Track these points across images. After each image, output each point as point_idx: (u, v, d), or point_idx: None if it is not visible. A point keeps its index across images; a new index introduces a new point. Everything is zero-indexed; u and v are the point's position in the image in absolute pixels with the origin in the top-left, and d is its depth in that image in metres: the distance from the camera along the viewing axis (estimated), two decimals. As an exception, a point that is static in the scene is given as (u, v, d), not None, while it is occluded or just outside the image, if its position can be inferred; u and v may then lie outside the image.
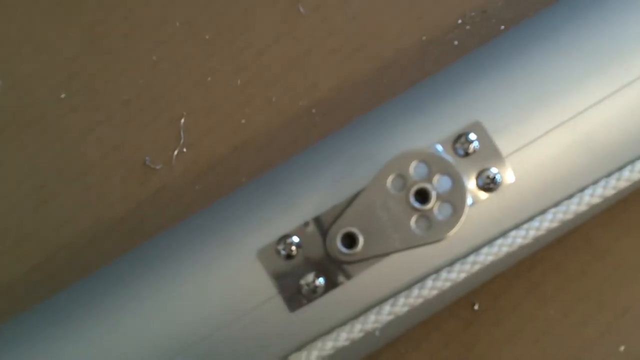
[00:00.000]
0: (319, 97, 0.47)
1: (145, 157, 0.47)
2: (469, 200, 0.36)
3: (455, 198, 0.35)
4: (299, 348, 0.36)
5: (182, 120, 0.47)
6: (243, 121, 0.47)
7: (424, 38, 0.48)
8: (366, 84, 0.47)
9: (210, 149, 0.47)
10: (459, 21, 0.48)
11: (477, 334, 0.42)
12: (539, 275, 0.43)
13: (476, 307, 0.43)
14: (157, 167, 0.46)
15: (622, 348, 0.42)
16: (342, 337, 0.36)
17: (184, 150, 0.47)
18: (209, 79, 0.48)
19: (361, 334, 0.36)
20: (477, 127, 0.37)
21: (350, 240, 0.35)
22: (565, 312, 0.42)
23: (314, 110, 0.47)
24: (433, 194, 0.34)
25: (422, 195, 0.35)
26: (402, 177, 0.35)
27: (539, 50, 0.39)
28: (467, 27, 0.48)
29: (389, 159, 0.35)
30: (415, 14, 0.48)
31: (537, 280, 0.43)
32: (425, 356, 0.42)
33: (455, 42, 0.47)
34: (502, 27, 0.47)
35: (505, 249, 0.37)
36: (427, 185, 0.34)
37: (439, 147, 0.36)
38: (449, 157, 0.36)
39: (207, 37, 0.49)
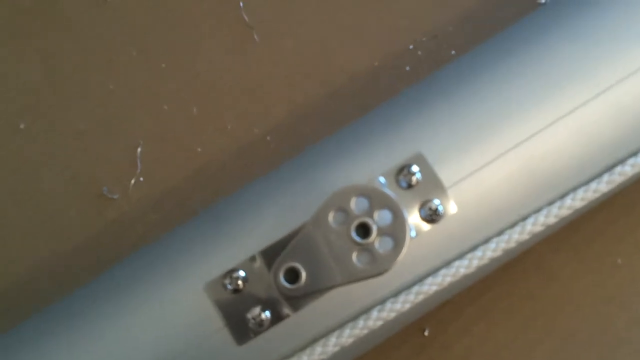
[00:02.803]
0: (273, 124, 0.48)
1: (102, 187, 0.47)
2: (412, 233, 0.36)
3: (396, 231, 0.35)
4: (247, 381, 0.37)
5: (139, 149, 0.47)
6: (199, 149, 0.48)
7: (375, 64, 0.48)
8: (319, 110, 0.48)
9: (167, 177, 0.47)
10: (411, 47, 0.49)
11: (429, 359, 0.43)
12: (488, 300, 0.43)
13: (426, 332, 0.43)
14: (115, 196, 0.47)
15: (567, 372, 0.42)
16: (289, 369, 0.37)
17: (141, 179, 0.47)
18: (165, 107, 0.49)
19: (308, 366, 0.37)
20: (420, 159, 0.37)
21: (293, 274, 0.35)
22: (514, 337, 0.43)
23: (268, 138, 0.48)
24: (374, 228, 0.35)
25: (364, 229, 0.35)
26: (344, 212, 0.35)
27: (480, 80, 0.40)
28: (419, 52, 0.48)
29: (329, 195, 0.35)
30: (367, 39, 0.49)
31: (486, 305, 0.43)
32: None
33: (407, 68, 0.48)
34: (453, 52, 0.48)
35: (448, 279, 0.38)
36: (368, 220, 0.35)
37: (382, 180, 0.37)
38: (391, 190, 0.37)
39: (163, 65, 0.49)
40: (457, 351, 0.43)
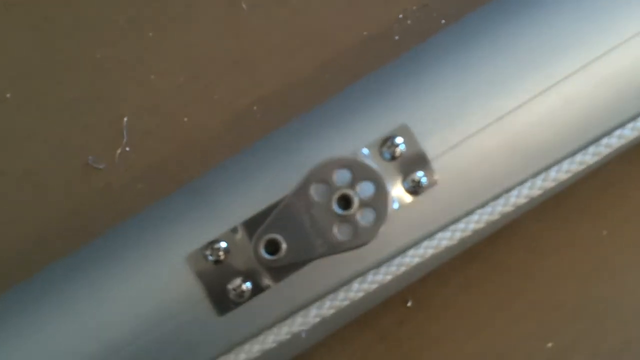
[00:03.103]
0: (260, 95, 0.48)
1: (89, 156, 0.47)
2: (394, 204, 0.36)
3: (378, 203, 0.35)
4: (227, 351, 0.37)
5: (125, 119, 0.47)
6: (185, 119, 0.47)
7: (365, 33, 0.48)
8: (308, 81, 0.48)
9: (153, 147, 0.47)
10: (400, 16, 0.48)
11: (410, 330, 0.43)
12: (472, 272, 0.43)
13: (409, 303, 0.43)
14: (101, 166, 0.47)
15: (550, 345, 0.42)
16: (269, 340, 0.37)
17: (127, 149, 0.47)
18: (152, 77, 0.48)
19: (288, 336, 0.37)
20: (404, 131, 0.37)
21: (274, 246, 0.35)
22: (498, 309, 0.43)
23: (255, 108, 0.47)
24: (355, 200, 0.35)
25: (346, 201, 0.35)
26: (326, 184, 0.35)
27: (466, 51, 0.39)
28: (408, 21, 0.48)
29: (311, 167, 0.35)
30: (357, 8, 0.48)
31: (470, 277, 0.43)
32: (360, 352, 0.43)
33: (397, 37, 0.48)
34: (443, 21, 0.47)
35: (430, 251, 0.38)
36: (350, 192, 0.35)
37: (366, 151, 0.37)
38: (375, 162, 0.36)
39: (150, 34, 0.49)
40: (440, 322, 0.43)
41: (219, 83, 0.48)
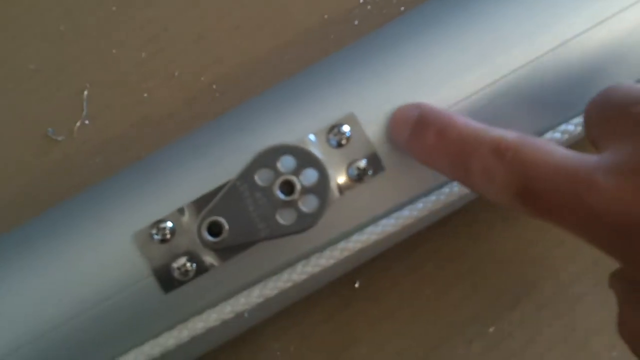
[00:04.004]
0: (221, 73, 0.48)
1: (48, 128, 0.47)
2: (339, 191, 0.37)
3: (320, 190, 0.36)
4: (171, 327, 0.38)
5: (86, 92, 0.48)
6: (145, 95, 0.48)
7: (325, 16, 0.48)
8: (267, 61, 0.48)
9: (112, 121, 0.48)
10: (361, 0, 0.48)
11: (357, 310, 0.44)
12: (418, 256, 0.44)
13: (357, 284, 0.44)
14: (59, 138, 0.47)
15: (491, 329, 0.44)
16: (212, 318, 0.38)
17: (86, 122, 0.48)
18: (114, 51, 0.49)
19: (231, 315, 0.38)
20: (351, 119, 0.38)
21: (219, 227, 0.36)
22: (442, 293, 0.44)
23: (214, 86, 0.48)
24: (298, 187, 0.36)
25: (290, 187, 0.36)
26: (271, 169, 0.36)
27: (418, 41, 0.40)
28: (369, 6, 0.48)
29: (257, 152, 0.36)
30: (319, -9, 0.49)
31: (416, 261, 0.45)
32: (306, 330, 0.44)
33: (356, 22, 0.48)
34: (403, 8, 0.48)
35: (374, 237, 0.39)
36: (293, 178, 0.36)
37: (313, 137, 0.38)
38: (321, 149, 0.37)
39: (113, 8, 0.49)
40: (385, 304, 0.44)
41: (180, 60, 0.48)
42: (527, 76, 0.39)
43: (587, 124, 0.33)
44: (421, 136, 0.35)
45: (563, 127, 0.40)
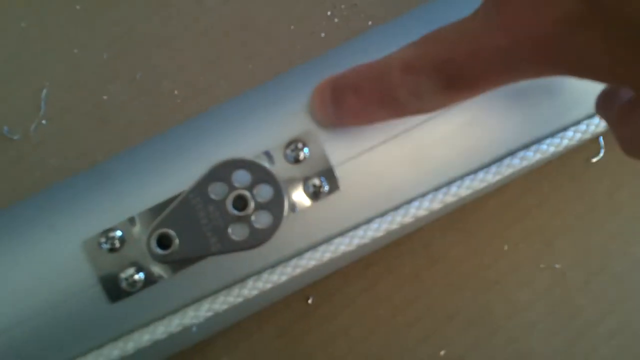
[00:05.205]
0: (183, 80, 0.47)
1: (4, 126, 0.46)
2: (294, 209, 0.36)
3: (274, 207, 0.36)
4: (116, 338, 0.37)
5: (45, 92, 0.47)
6: (105, 97, 0.47)
7: (292, 27, 0.48)
8: (231, 70, 0.47)
9: (70, 123, 0.47)
10: (329, 13, 0.48)
11: (309, 327, 0.44)
12: (374, 275, 0.44)
13: (310, 301, 0.44)
14: (15, 137, 0.46)
15: (442, 352, 0.43)
16: (159, 330, 0.37)
17: (43, 122, 0.47)
18: (76, 51, 0.48)
19: (179, 328, 0.37)
20: (309, 135, 0.38)
21: (169, 239, 0.36)
22: (395, 313, 0.44)
23: (176, 92, 0.47)
24: (252, 203, 0.35)
25: (243, 202, 0.36)
26: (225, 183, 0.35)
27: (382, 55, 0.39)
28: (336, 19, 0.48)
29: (212, 165, 0.35)
30: (286, 1, 0.48)
31: (371, 280, 0.44)
32: (257, 345, 0.43)
33: (323, 35, 0.48)
34: (370, 22, 0.47)
35: (328, 255, 0.38)
36: (246, 193, 0.35)
37: (270, 152, 0.37)
38: (278, 164, 0.37)
39: (77, 7, 0.48)
40: (338, 321, 0.44)
41: (143, 64, 0.48)
42: (487, 102, 0.39)
43: None
44: (344, 103, 0.36)
45: (522, 153, 0.39)
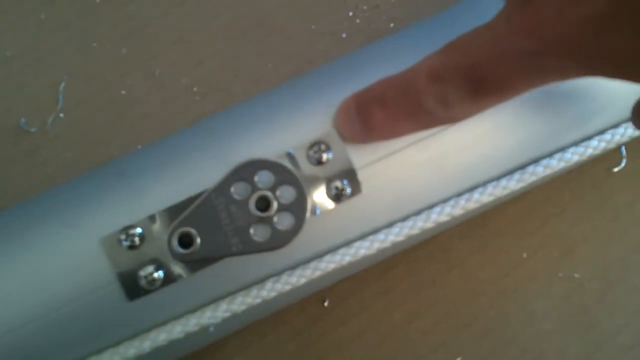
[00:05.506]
0: (201, 76, 0.47)
1: (21, 118, 0.46)
2: (316, 211, 0.36)
3: (296, 209, 0.35)
4: (132, 336, 0.37)
5: (62, 85, 0.46)
6: (123, 92, 0.47)
7: (313, 27, 0.47)
8: (250, 67, 0.47)
9: (87, 117, 0.46)
10: (350, 13, 0.48)
11: (324, 330, 0.43)
12: (391, 279, 0.44)
13: (326, 303, 0.44)
14: (32, 129, 0.46)
15: (459, 359, 0.43)
16: (177, 330, 0.37)
17: (61, 115, 0.46)
18: (94, 44, 0.47)
19: (196, 328, 0.37)
20: (333, 137, 0.37)
21: (190, 238, 0.35)
22: (410, 319, 0.44)
23: (195, 89, 0.47)
24: (274, 204, 0.35)
25: (266, 203, 0.35)
26: (248, 183, 0.35)
27: (406, 60, 0.39)
28: (357, 20, 0.47)
29: (235, 165, 0.35)
30: (309, 1, 0.48)
31: (388, 284, 0.44)
32: (271, 347, 0.43)
33: (344, 35, 0.47)
34: (392, 24, 0.47)
35: (348, 258, 0.38)
36: (269, 194, 0.35)
37: (293, 153, 0.37)
38: (301, 165, 0.36)
39: (97, 0, 0.48)
40: (352, 325, 0.44)
41: (162, 59, 0.47)
42: (512, 110, 0.38)
43: None
44: (370, 118, 0.35)
45: (545, 161, 0.39)
